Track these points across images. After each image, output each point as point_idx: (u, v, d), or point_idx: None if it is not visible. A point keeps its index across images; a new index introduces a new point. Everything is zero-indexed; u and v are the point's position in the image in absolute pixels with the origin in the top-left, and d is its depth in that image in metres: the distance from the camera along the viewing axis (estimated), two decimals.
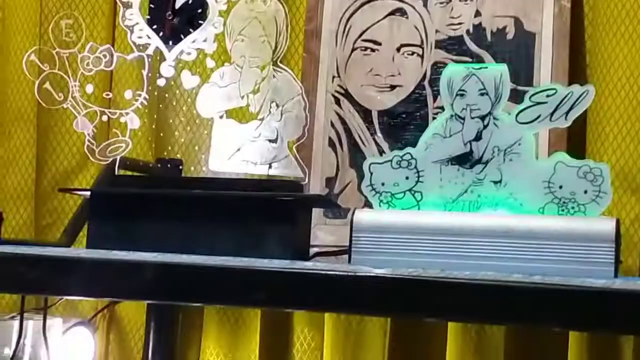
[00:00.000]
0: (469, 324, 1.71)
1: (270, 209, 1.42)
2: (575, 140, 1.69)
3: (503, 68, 1.37)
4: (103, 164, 1.56)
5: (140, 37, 1.55)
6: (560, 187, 1.32)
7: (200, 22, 1.54)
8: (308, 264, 1.30)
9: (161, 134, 1.82)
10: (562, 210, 1.31)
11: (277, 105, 1.51)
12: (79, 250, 1.53)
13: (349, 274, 1.23)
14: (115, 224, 1.46)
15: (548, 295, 1.15)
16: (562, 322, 1.18)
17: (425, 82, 1.79)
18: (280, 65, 1.53)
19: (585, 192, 1.31)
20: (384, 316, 1.71)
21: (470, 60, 1.76)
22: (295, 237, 1.42)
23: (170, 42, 1.55)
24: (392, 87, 1.81)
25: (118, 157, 1.53)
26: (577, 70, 1.75)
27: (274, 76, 1.52)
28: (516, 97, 1.47)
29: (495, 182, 1.35)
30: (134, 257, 1.34)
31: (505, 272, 1.23)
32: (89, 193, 1.54)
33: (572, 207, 1.31)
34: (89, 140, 1.52)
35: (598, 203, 1.30)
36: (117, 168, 1.53)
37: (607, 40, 1.72)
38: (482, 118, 1.36)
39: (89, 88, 1.54)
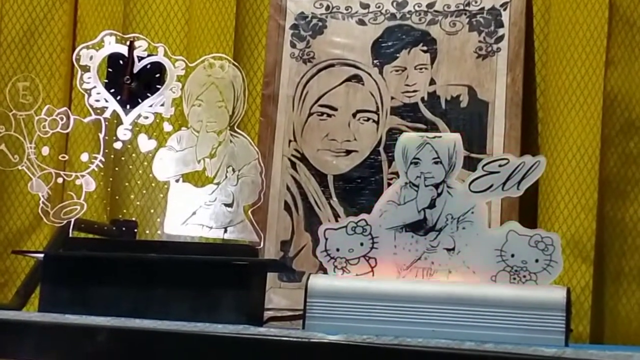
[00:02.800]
0: None
1: (225, 274, 1.42)
2: (527, 209, 1.72)
3: (457, 137, 1.39)
4: (57, 226, 1.55)
5: (97, 101, 1.55)
6: (512, 255, 1.34)
7: (158, 86, 1.55)
8: (262, 330, 1.30)
9: (117, 197, 1.82)
10: (514, 279, 1.33)
11: (234, 170, 1.52)
12: (31, 313, 1.52)
13: (303, 340, 1.24)
14: (69, 287, 1.45)
15: None
16: None
17: (381, 148, 1.81)
18: (237, 130, 1.54)
19: (537, 261, 1.32)
20: None
21: (425, 127, 1.79)
22: (250, 302, 1.42)
23: (128, 106, 1.55)
24: (348, 152, 1.83)
25: (72, 219, 1.52)
26: (529, 139, 1.78)
27: (230, 141, 1.53)
28: (470, 164, 1.49)
29: (449, 250, 1.36)
30: (87, 321, 1.34)
31: (458, 339, 1.24)
32: (42, 255, 1.53)
33: (524, 276, 1.33)
34: (43, 202, 1.51)
35: (549, 272, 1.32)
36: (71, 230, 1.53)
37: (558, 111, 1.75)
38: (436, 186, 1.38)
39: (45, 150, 1.54)
